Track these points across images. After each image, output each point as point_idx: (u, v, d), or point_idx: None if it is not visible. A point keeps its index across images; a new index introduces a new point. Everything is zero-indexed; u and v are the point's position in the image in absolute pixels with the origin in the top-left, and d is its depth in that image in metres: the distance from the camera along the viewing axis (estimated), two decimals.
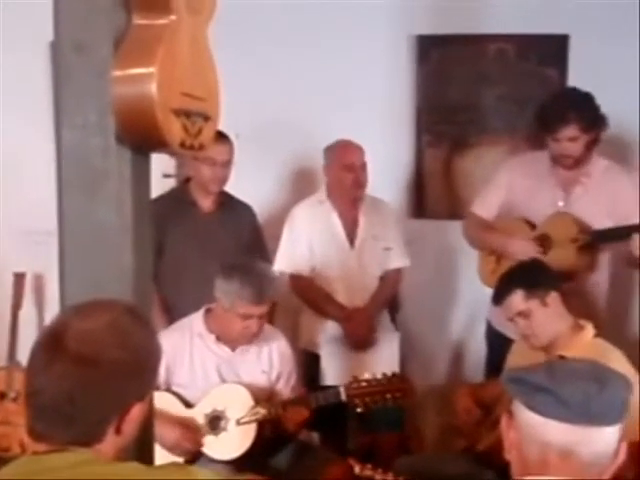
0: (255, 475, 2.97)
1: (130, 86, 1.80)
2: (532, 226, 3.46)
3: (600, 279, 3.48)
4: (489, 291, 3.23)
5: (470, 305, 4.27)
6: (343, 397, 3.11)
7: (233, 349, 3.17)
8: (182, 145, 1.89)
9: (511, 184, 3.53)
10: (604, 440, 1.53)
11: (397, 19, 4.22)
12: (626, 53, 3.96)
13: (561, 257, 3.31)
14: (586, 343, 2.84)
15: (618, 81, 3.91)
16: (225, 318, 3.09)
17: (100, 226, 1.88)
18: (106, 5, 1.82)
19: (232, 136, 3.58)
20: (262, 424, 3.07)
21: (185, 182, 3.82)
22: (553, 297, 2.90)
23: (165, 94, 1.80)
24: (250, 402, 3.07)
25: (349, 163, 3.74)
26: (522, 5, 4.08)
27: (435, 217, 4.42)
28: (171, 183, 4.25)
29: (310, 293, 3.84)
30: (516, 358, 3.04)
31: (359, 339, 3.74)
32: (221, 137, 3.36)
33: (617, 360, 2.67)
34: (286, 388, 3.25)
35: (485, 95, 4.30)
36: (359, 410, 3.14)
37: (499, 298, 2.98)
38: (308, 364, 3.77)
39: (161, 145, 1.87)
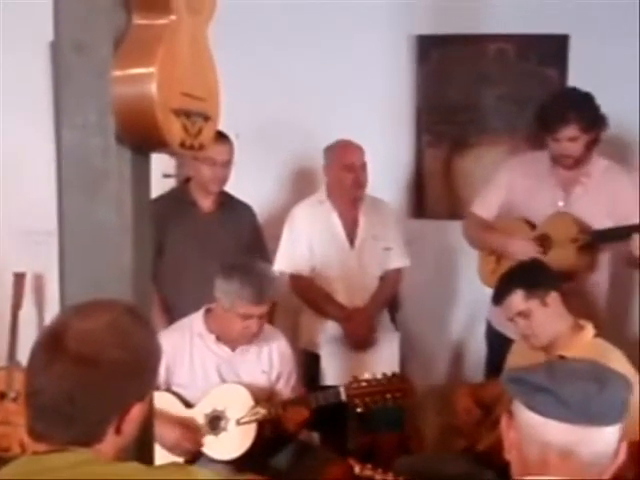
0: (255, 475, 2.97)
1: (130, 86, 1.80)
2: (532, 226, 3.46)
3: (600, 279, 3.48)
4: (489, 291, 3.23)
5: (470, 305, 4.27)
6: (343, 397, 3.11)
7: (233, 349, 3.17)
8: (182, 145, 1.89)
9: (511, 184, 3.53)
10: (604, 440, 1.53)
11: (397, 19, 4.22)
12: (626, 53, 3.96)
13: (561, 257, 3.31)
14: (586, 343, 2.84)
15: (618, 81, 3.91)
16: (225, 318, 3.09)
17: (100, 226, 1.88)
18: (106, 5, 1.82)
19: (232, 136, 3.58)
20: (262, 424, 3.07)
21: (185, 182, 3.82)
22: (553, 297, 2.90)
23: (165, 94, 1.80)
24: (250, 402, 3.07)
25: (349, 163, 3.74)
26: (522, 5, 4.08)
27: (435, 217, 4.42)
28: (171, 183, 4.25)
29: (310, 293, 3.84)
30: (516, 358, 3.04)
31: (359, 339, 3.74)
32: (221, 137, 3.36)
33: (617, 360, 2.67)
34: (286, 388, 3.25)
35: (485, 95, 4.30)
36: (359, 410, 3.14)
37: (499, 298, 2.98)
38: (308, 364, 3.77)
39: (161, 145, 1.87)
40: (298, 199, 4.00)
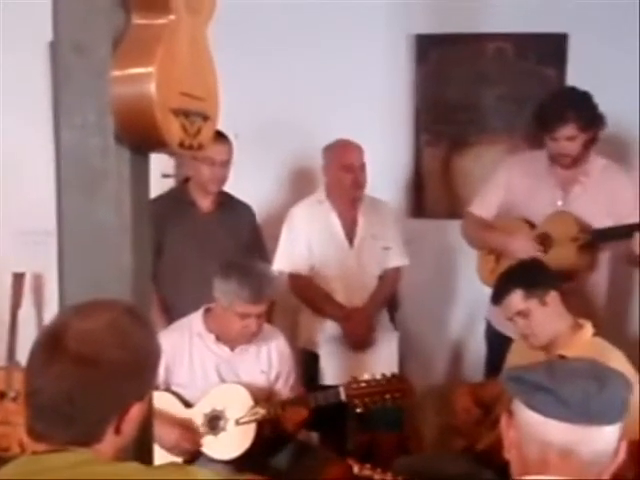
0: (254, 475, 2.97)
1: (129, 86, 1.80)
2: (531, 225, 3.45)
3: (599, 278, 3.48)
4: (488, 290, 3.23)
5: (469, 304, 4.27)
6: (343, 397, 3.11)
7: (232, 349, 3.17)
8: (181, 145, 1.89)
9: (510, 183, 3.53)
10: (604, 439, 1.53)
11: (396, 19, 4.22)
12: (625, 52, 3.96)
13: (561, 256, 3.31)
14: (585, 342, 2.84)
15: (617, 80, 3.91)
16: (224, 318, 3.09)
17: (99, 226, 1.88)
18: (105, 5, 1.82)
19: (231, 136, 3.58)
20: (261, 424, 3.07)
21: (184, 182, 3.82)
22: (552, 296, 2.90)
23: (164, 94, 1.80)
24: (249, 402, 3.07)
25: (348, 163, 3.74)
26: (521, 4, 4.08)
27: (434, 216, 4.42)
28: (170, 183, 4.25)
29: (309, 292, 3.84)
30: (516, 357, 3.04)
31: (358, 338, 3.74)
32: (220, 137, 3.36)
33: (616, 359, 2.67)
34: (285, 388, 3.25)
35: (484, 94, 4.30)
36: (358, 410, 3.14)
37: (498, 298, 2.98)
38: (307, 363, 3.77)
39: (160, 145, 1.87)
40: (297, 199, 4.00)
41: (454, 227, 3.81)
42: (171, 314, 3.50)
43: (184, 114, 1.87)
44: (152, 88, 1.77)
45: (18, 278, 4.22)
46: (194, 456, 3.05)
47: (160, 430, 2.69)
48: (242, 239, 3.71)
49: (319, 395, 3.16)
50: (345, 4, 4.19)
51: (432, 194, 4.43)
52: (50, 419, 1.52)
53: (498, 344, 3.40)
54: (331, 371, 3.69)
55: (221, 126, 2.14)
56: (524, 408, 1.57)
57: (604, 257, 3.45)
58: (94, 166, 1.86)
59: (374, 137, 4.01)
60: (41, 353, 1.54)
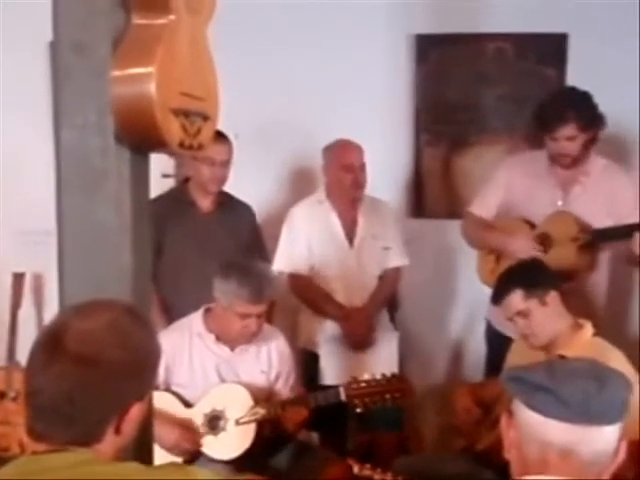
0: (254, 475, 2.97)
1: (129, 86, 1.80)
2: (531, 226, 3.45)
3: (599, 278, 3.48)
4: (488, 290, 3.23)
5: (469, 304, 4.27)
6: (343, 397, 3.11)
7: (232, 349, 3.17)
8: (181, 145, 1.89)
9: (510, 183, 3.53)
10: (604, 439, 1.53)
11: (396, 19, 4.22)
12: (625, 52, 3.96)
13: (562, 256, 3.31)
14: (585, 342, 2.84)
15: (617, 80, 3.91)
16: (224, 318, 3.09)
17: (99, 226, 1.88)
18: (105, 5, 1.82)
19: (231, 136, 3.58)
20: (261, 424, 3.07)
21: (184, 182, 3.82)
22: (552, 296, 2.90)
23: (164, 94, 1.80)
24: (249, 402, 3.07)
25: (348, 163, 3.74)
26: (521, 4, 4.08)
27: (434, 216, 4.42)
28: (170, 183, 4.25)
29: (309, 292, 3.84)
30: (516, 357, 3.04)
31: (358, 338, 3.74)
32: (220, 137, 3.36)
33: (616, 359, 2.67)
34: (285, 388, 3.25)
35: (484, 94, 4.30)
36: (359, 410, 3.14)
37: (498, 298, 2.98)
38: (307, 363, 3.77)
39: (160, 145, 1.87)
40: (297, 199, 4.00)
41: (454, 227, 3.80)
42: (171, 314, 3.50)
43: (184, 114, 1.87)
44: (152, 88, 1.77)
45: (18, 278, 4.22)
46: (194, 456, 3.05)
47: (160, 430, 2.69)
48: (242, 239, 3.71)
49: (319, 395, 3.16)
50: (345, 4, 4.19)
51: (432, 194, 4.43)
52: (50, 419, 1.52)
53: (498, 344, 3.40)
54: (331, 371, 3.69)
55: (221, 126, 2.14)
56: (524, 408, 1.57)
57: (604, 257, 3.45)
58: (94, 166, 1.86)
59: (374, 137, 4.01)
60: (41, 353, 1.54)
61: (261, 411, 3.05)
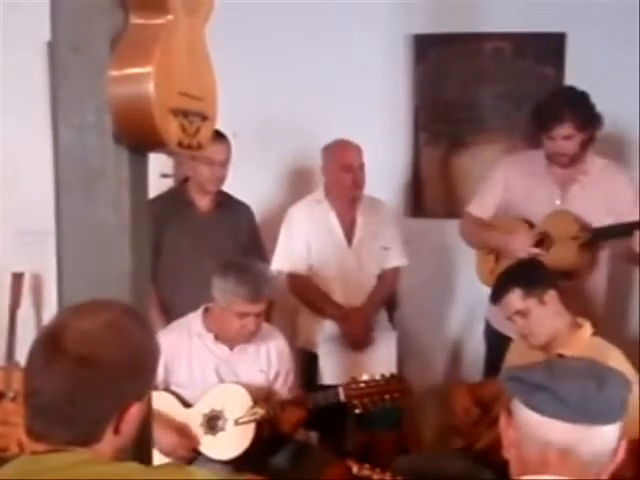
0: (253, 475, 2.96)
1: (127, 86, 1.80)
2: (530, 225, 3.45)
3: (599, 277, 3.48)
4: (487, 290, 3.22)
5: (468, 304, 4.27)
6: (342, 398, 3.11)
7: (231, 348, 3.17)
8: (180, 145, 1.89)
9: (508, 183, 3.53)
10: (603, 439, 1.53)
11: (394, 18, 4.22)
12: (624, 51, 3.96)
13: (562, 255, 3.31)
14: (584, 341, 2.84)
15: (616, 79, 3.91)
16: (223, 317, 3.09)
17: (98, 226, 1.88)
18: (103, 5, 1.82)
19: (229, 135, 3.58)
20: (260, 424, 3.06)
21: (183, 182, 3.81)
22: (551, 296, 2.90)
23: (162, 94, 1.80)
24: (248, 402, 3.07)
25: (347, 164, 3.74)
26: (519, 4, 4.08)
27: (433, 216, 4.42)
28: (169, 183, 4.25)
29: (307, 292, 3.84)
30: (515, 357, 3.04)
31: (356, 338, 3.74)
32: (219, 136, 3.36)
33: (615, 358, 2.67)
34: (284, 387, 3.25)
35: (482, 94, 4.30)
36: (357, 411, 3.14)
37: (497, 297, 2.98)
38: (306, 363, 3.77)
39: (159, 145, 1.87)
40: (296, 199, 4.00)
41: (453, 227, 3.80)
42: (170, 314, 3.50)
43: (183, 114, 1.87)
44: (150, 88, 1.77)
45: (17, 278, 4.22)
46: (193, 456, 3.05)
47: (158, 434, 2.68)
48: (240, 239, 3.71)
49: (318, 395, 3.16)
50: (344, 4, 4.19)
51: (431, 193, 4.43)
52: (49, 419, 1.52)
53: (497, 344, 3.40)
54: (330, 371, 3.69)
55: (219, 125, 2.14)
56: (523, 408, 1.57)
57: (603, 256, 3.45)
58: (92, 166, 1.86)
59: (373, 137, 4.01)
60: (40, 353, 1.54)
61: (260, 411, 3.05)
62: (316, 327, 3.81)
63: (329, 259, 3.80)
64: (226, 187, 3.73)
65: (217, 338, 3.15)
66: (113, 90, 1.80)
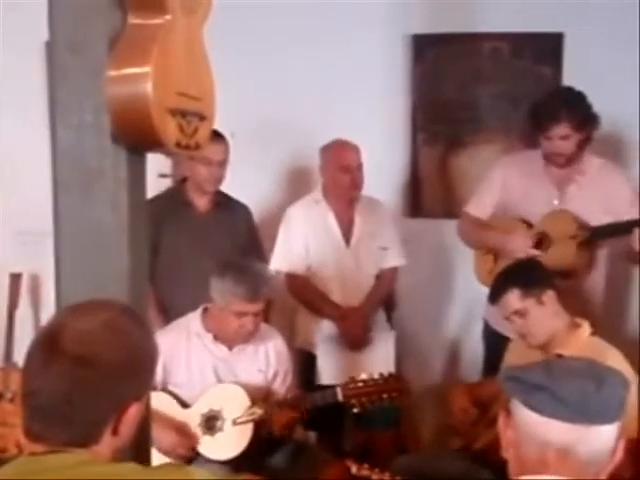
0: (252, 475, 2.96)
1: (125, 86, 1.80)
2: (528, 225, 3.45)
3: (597, 277, 3.48)
4: (485, 290, 3.22)
5: (466, 304, 4.27)
6: (340, 397, 3.11)
7: (230, 348, 3.17)
8: (178, 145, 1.89)
9: (505, 183, 3.53)
10: (602, 438, 1.53)
11: (393, 18, 4.22)
12: (622, 51, 3.96)
13: (561, 255, 3.30)
14: (583, 341, 2.85)
15: (614, 79, 3.91)
16: (221, 317, 3.09)
17: (96, 226, 1.88)
18: (101, 5, 1.82)
19: (228, 135, 3.58)
20: (259, 424, 3.06)
21: (181, 182, 3.81)
22: (549, 295, 2.90)
23: (160, 94, 1.80)
24: (247, 402, 3.07)
25: (345, 164, 3.74)
26: (516, 4, 4.08)
27: (431, 216, 4.41)
28: (167, 183, 4.24)
29: (306, 292, 3.84)
30: (513, 357, 3.04)
31: (354, 338, 3.74)
32: (217, 136, 3.35)
33: (614, 358, 2.68)
34: (282, 387, 3.25)
35: (480, 94, 4.30)
36: (356, 410, 3.14)
37: (495, 297, 2.98)
38: (304, 363, 3.76)
39: (157, 145, 1.87)
40: (294, 199, 4.00)
41: (451, 227, 3.80)
42: (168, 314, 3.50)
43: (181, 114, 1.87)
44: (148, 88, 1.77)
45: (15, 278, 4.21)
46: (191, 456, 3.04)
47: (157, 434, 2.68)
48: (239, 239, 3.71)
49: (316, 395, 3.16)
50: (343, 4, 4.19)
51: (429, 193, 4.43)
52: (48, 420, 1.51)
53: (495, 343, 3.40)
54: (328, 371, 3.69)
55: (217, 125, 2.14)
56: (522, 407, 1.57)
57: (601, 256, 3.45)
58: (90, 166, 1.86)
59: (371, 137, 4.01)
60: (38, 354, 1.53)
61: (258, 411, 3.05)
62: (314, 327, 3.81)
63: (327, 259, 3.80)
64: (224, 187, 3.73)
65: (216, 338, 3.15)
66: (111, 90, 1.80)
